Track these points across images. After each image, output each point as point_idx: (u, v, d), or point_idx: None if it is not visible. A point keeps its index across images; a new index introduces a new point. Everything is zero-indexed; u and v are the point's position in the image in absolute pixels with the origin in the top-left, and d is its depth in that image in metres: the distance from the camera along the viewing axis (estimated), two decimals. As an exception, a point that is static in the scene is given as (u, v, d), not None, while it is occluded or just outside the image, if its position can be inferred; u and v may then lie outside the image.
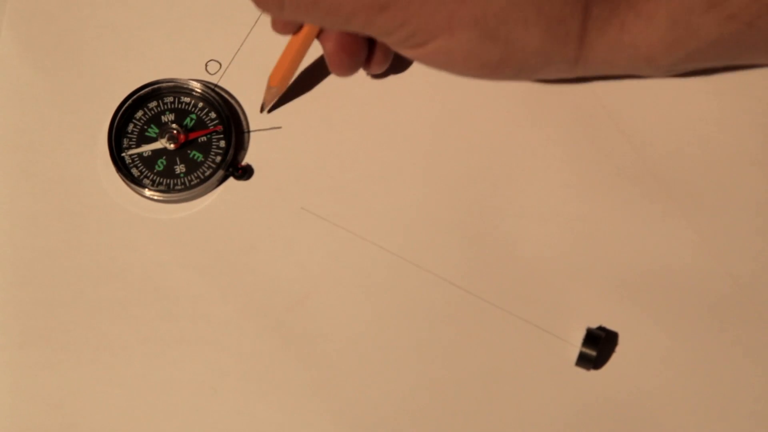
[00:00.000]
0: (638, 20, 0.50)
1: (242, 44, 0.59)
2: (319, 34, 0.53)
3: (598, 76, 0.56)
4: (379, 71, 0.55)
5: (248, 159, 0.57)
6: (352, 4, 0.47)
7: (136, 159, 0.57)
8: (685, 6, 0.50)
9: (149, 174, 0.56)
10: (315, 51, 0.56)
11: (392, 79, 0.58)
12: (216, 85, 0.58)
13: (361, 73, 0.58)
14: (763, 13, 0.49)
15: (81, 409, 0.54)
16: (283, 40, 0.55)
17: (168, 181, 0.56)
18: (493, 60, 0.50)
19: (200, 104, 0.57)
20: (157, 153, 0.57)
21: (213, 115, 0.57)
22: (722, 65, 0.56)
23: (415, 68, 0.58)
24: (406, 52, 0.51)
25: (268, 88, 0.56)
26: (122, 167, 0.56)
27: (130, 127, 0.57)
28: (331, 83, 0.58)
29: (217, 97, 0.57)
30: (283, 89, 0.56)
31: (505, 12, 0.48)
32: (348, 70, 0.53)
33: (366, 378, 0.54)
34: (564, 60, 0.51)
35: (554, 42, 0.50)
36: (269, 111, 0.57)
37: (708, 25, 0.50)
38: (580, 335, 0.54)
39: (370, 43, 0.53)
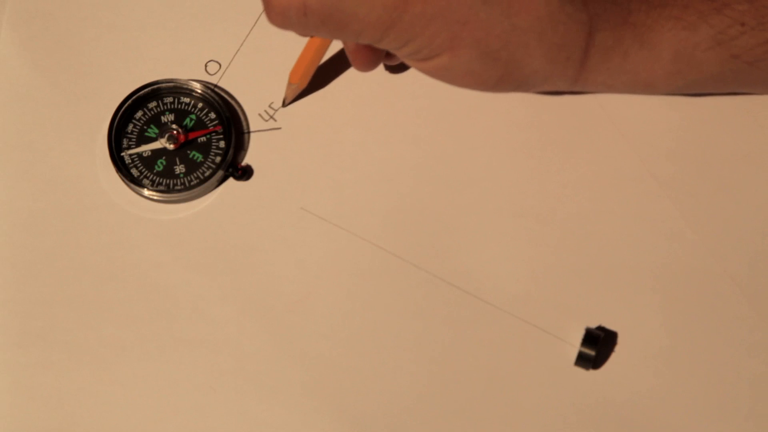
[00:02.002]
0: (642, 50, 0.50)
1: (242, 45, 0.59)
2: None
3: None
4: (397, 63, 0.56)
5: (248, 159, 0.57)
6: (359, 24, 0.48)
7: (135, 159, 0.57)
8: (691, 41, 0.50)
9: (149, 174, 0.56)
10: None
11: (392, 80, 0.58)
12: (216, 86, 0.58)
13: (362, 74, 0.58)
14: (765, 57, 0.50)
15: (81, 409, 0.54)
16: (282, 41, 0.56)
17: (167, 181, 0.56)
18: (493, 78, 0.50)
19: (200, 104, 0.57)
20: (157, 153, 0.57)
21: (213, 115, 0.57)
22: (719, 92, 0.57)
23: (416, 70, 0.58)
24: (411, 64, 0.52)
25: (289, 84, 0.56)
26: (122, 167, 0.56)
27: (130, 127, 0.57)
28: (332, 84, 0.58)
29: (216, 98, 0.57)
30: (303, 86, 0.57)
31: (507, 35, 0.48)
32: (369, 65, 0.54)
33: (365, 378, 0.54)
34: (563, 80, 0.51)
35: (555, 65, 0.50)
36: (287, 105, 0.58)
37: (711, 60, 0.50)
38: (579, 335, 0.54)
39: None
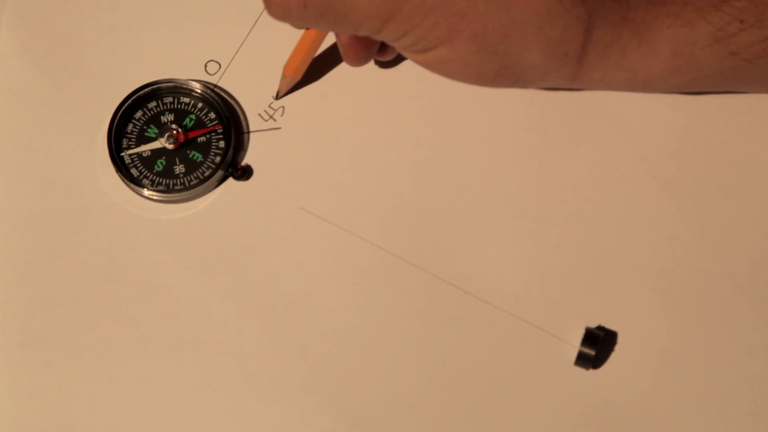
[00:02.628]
0: (640, 47, 0.50)
1: (242, 45, 0.59)
2: None
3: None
4: (389, 58, 0.56)
5: (247, 159, 0.57)
6: (359, 15, 0.48)
7: (135, 159, 0.57)
8: (690, 38, 0.50)
9: (148, 174, 0.56)
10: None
11: (392, 79, 0.58)
12: (215, 86, 0.58)
13: (361, 74, 0.58)
14: (764, 54, 0.50)
15: (81, 409, 0.54)
16: (281, 41, 0.56)
17: (167, 181, 0.56)
18: (491, 72, 0.50)
19: (200, 104, 0.57)
20: (157, 153, 0.57)
21: (212, 115, 0.57)
22: (718, 91, 0.57)
23: (416, 69, 0.58)
24: (409, 56, 0.52)
25: (283, 77, 0.56)
26: (121, 167, 0.56)
27: (130, 127, 0.57)
28: (331, 84, 0.58)
29: (216, 98, 0.57)
30: (298, 78, 0.57)
31: (504, 29, 0.48)
32: (361, 60, 0.54)
33: (365, 378, 0.54)
34: (560, 76, 0.51)
35: (552, 60, 0.50)
36: (280, 97, 0.58)
37: (709, 58, 0.50)
38: (579, 335, 0.54)
39: None
